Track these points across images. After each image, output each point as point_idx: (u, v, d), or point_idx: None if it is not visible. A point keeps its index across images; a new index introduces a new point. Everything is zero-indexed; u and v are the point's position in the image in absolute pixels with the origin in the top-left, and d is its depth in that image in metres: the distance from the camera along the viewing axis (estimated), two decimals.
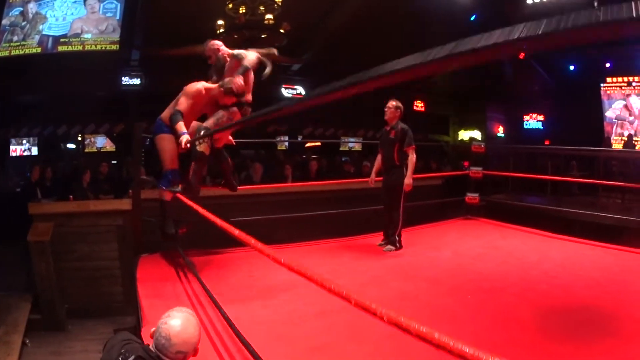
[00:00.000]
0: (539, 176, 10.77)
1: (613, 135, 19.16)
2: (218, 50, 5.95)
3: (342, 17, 15.18)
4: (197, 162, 5.45)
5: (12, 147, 15.35)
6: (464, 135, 21.86)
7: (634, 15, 0.93)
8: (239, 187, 6.40)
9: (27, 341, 6.87)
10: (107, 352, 2.53)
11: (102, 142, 16.73)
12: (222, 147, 6.11)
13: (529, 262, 6.07)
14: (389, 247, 6.68)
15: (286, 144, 18.57)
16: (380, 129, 6.98)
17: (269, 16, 13.29)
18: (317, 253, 6.61)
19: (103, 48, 14.33)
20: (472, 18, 17.00)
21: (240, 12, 13.13)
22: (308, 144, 18.56)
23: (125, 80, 15.52)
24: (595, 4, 13.96)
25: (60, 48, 14.07)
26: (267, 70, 5.79)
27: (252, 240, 2.72)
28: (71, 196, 9.39)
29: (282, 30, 13.89)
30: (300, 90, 18.08)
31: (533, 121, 21.60)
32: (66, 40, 14.10)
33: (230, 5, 13.11)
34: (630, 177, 10.46)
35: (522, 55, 18.82)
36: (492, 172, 9.93)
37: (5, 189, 11.51)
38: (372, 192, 7.15)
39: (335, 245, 7.07)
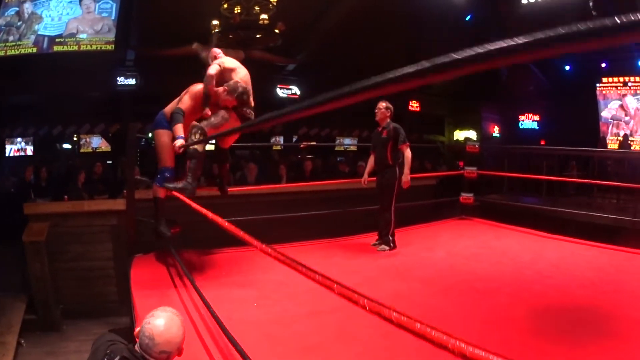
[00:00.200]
0: (533, 176, 10.77)
1: (609, 135, 19.17)
2: (215, 58, 5.93)
3: (337, 17, 15.18)
4: (191, 161, 5.42)
5: (7, 147, 15.32)
6: (460, 135, 21.86)
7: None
8: (233, 188, 6.40)
9: (22, 341, 6.85)
10: (93, 354, 2.53)
11: (97, 142, 16.67)
12: (227, 148, 6.14)
13: (524, 262, 6.08)
14: (383, 247, 6.70)
15: (281, 143, 18.54)
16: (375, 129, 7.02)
17: (264, 16, 13.26)
18: (311, 253, 6.60)
19: (98, 48, 14.30)
20: (467, 18, 17.01)
21: (235, 12, 13.10)
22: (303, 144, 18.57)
23: (121, 80, 15.51)
24: (591, 3, 14.01)
25: (56, 48, 14.03)
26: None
27: (255, 241, 2.71)
28: (66, 196, 9.39)
29: (277, 30, 13.87)
30: (295, 90, 18.07)
31: (528, 121, 21.60)
32: (62, 40, 14.06)
33: (225, 5, 13.09)
34: (625, 177, 10.45)
35: None
36: (486, 172, 9.93)
37: (0, 189, 11.48)
38: (367, 192, 7.16)
39: (329, 245, 7.08)
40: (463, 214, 8.95)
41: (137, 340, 2.49)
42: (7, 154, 15.23)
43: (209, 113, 5.61)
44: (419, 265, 6.04)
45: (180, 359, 2.56)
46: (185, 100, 5.54)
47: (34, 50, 13.87)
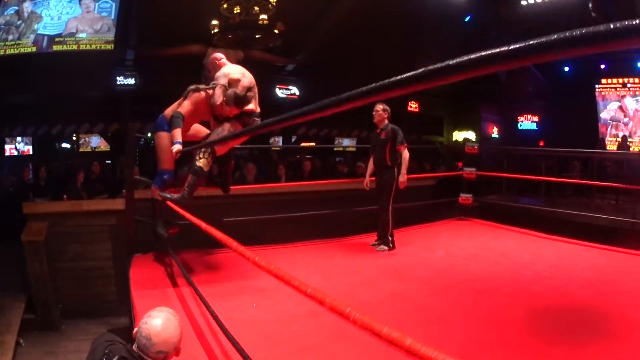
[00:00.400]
0: (532, 177, 10.78)
1: (607, 136, 19.19)
2: (217, 64, 5.81)
3: (336, 18, 15.17)
4: (194, 176, 5.32)
5: (7, 147, 15.32)
6: (458, 136, 21.84)
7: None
8: (232, 187, 6.38)
9: (22, 341, 6.86)
10: (91, 354, 2.53)
11: (96, 142, 16.66)
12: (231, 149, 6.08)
13: (522, 263, 6.08)
14: (382, 247, 6.73)
15: (280, 143, 18.52)
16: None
17: (264, 16, 13.26)
18: (310, 253, 6.63)
19: (98, 48, 14.28)
20: (467, 19, 17.02)
21: (235, 12, 13.10)
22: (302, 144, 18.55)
23: (120, 80, 15.47)
24: (590, 5, 14.02)
25: (55, 47, 14.02)
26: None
27: (234, 243, 2.71)
28: (65, 196, 9.38)
29: (276, 31, 13.88)
30: (294, 90, 18.06)
31: (527, 122, 21.60)
32: (61, 39, 14.05)
33: (225, 6, 13.09)
34: (624, 178, 10.47)
35: None
36: (485, 172, 9.94)
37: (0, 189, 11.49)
38: (366, 192, 7.17)
39: (328, 246, 7.09)
40: (462, 215, 8.96)
41: (135, 340, 2.50)
42: (6, 154, 15.23)
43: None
44: (418, 265, 6.05)
45: (179, 358, 2.56)
46: (185, 105, 5.45)
47: (34, 49, 13.86)
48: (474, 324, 4.10)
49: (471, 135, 21.30)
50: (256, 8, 13.12)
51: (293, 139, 18.90)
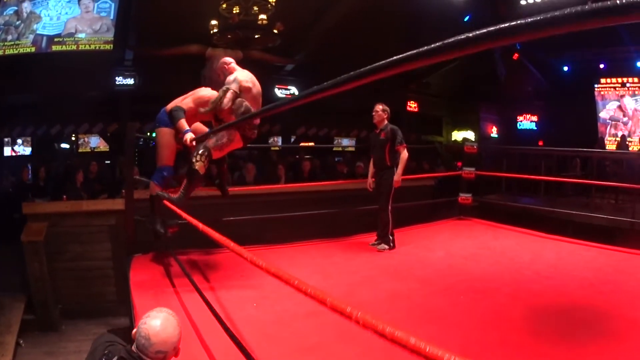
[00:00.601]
0: (532, 177, 10.79)
1: (607, 136, 19.18)
2: (227, 70, 5.76)
3: (335, 18, 15.16)
4: (190, 179, 5.30)
5: (6, 147, 15.32)
6: (458, 135, 21.87)
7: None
8: (232, 188, 6.37)
9: (21, 341, 6.86)
10: (91, 354, 2.54)
11: (95, 142, 16.66)
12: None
13: (522, 263, 6.09)
14: (383, 246, 6.74)
15: (279, 143, 18.51)
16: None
17: (263, 16, 13.24)
18: (309, 253, 6.62)
19: (97, 48, 14.27)
20: (466, 19, 17.00)
21: (234, 12, 13.08)
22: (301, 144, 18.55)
23: (119, 80, 15.45)
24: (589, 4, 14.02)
25: (54, 47, 14.00)
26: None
27: (231, 243, 2.71)
28: (64, 196, 9.38)
29: (275, 31, 13.85)
30: (293, 90, 18.05)
31: (527, 122, 21.64)
32: (60, 39, 14.03)
33: (224, 6, 13.07)
34: (623, 178, 10.48)
35: (516, 56, 18.90)
36: (484, 172, 9.94)
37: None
38: (365, 192, 7.17)
39: (328, 245, 7.08)
40: (461, 215, 8.96)
41: (134, 341, 2.50)
42: (5, 154, 15.23)
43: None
44: (418, 265, 6.05)
45: (180, 358, 2.56)
46: (187, 102, 5.44)
47: (33, 49, 13.84)
48: (473, 324, 4.10)
49: (470, 135, 21.32)
50: (255, 8, 13.10)
51: (292, 139, 18.88)
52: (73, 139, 16.62)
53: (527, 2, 15.86)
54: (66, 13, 14.06)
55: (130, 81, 15.52)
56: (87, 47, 14.21)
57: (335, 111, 16.51)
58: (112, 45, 14.36)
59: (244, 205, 7.90)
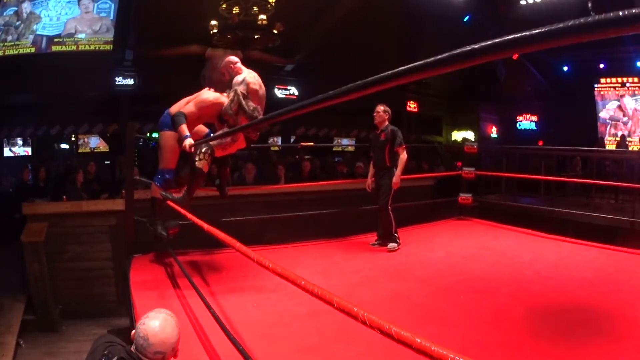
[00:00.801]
0: (531, 176, 10.78)
1: (607, 136, 19.19)
2: (233, 70, 5.75)
3: (335, 18, 15.14)
4: (193, 177, 5.32)
5: (5, 148, 15.33)
6: (457, 136, 21.84)
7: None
8: (232, 188, 6.38)
9: (21, 342, 6.86)
10: (91, 354, 2.54)
11: (95, 143, 16.64)
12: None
13: (522, 263, 6.08)
14: (393, 245, 6.74)
15: (279, 143, 18.49)
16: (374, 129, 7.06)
17: (263, 17, 13.23)
18: (310, 253, 6.62)
19: (97, 48, 14.26)
20: (466, 19, 17.01)
21: (234, 12, 13.08)
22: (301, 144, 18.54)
23: (119, 80, 15.41)
24: (590, 4, 14.01)
25: (54, 48, 13.99)
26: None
27: (237, 244, 2.71)
28: (65, 196, 9.38)
29: (275, 31, 13.86)
30: (293, 90, 18.03)
31: (526, 122, 21.63)
32: (60, 40, 14.02)
33: (224, 6, 13.07)
34: (623, 178, 10.47)
35: (515, 56, 18.88)
36: (484, 172, 9.94)
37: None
38: (365, 192, 7.18)
39: (328, 246, 7.08)
40: (461, 215, 8.96)
41: (133, 341, 2.50)
42: (6, 154, 15.23)
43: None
44: (418, 265, 6.05)
45: (180, 359, 2.56)
46: (189, 107, 5.42)
47: (33, 50, 13.83)
48: (473, 324, 4.10)
49: (470, 135, 21.30)
50: (255, 8, 13.10)
51: (292, 140, 18.87)
52: (73, 139, 16.60)
53: (527, 2, 15.85)
54: (66, 13, 14.05)
55: (130, 81, 15.49)
56: (87, 48, 14.20)
57: (335, 111, 16.49)
58: (111, 46, 14.34)
59: (244, 205, 7.91)
